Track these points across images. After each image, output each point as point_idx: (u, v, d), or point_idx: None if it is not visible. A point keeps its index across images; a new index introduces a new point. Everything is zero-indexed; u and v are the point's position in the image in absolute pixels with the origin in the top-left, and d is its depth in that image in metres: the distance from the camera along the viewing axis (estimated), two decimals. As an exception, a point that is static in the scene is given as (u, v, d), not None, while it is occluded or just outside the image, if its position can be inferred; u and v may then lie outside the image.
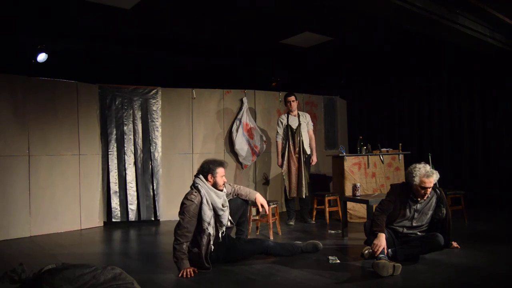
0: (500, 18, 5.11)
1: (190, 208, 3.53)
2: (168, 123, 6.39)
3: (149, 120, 6.27)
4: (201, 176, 3.69)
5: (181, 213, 3.56)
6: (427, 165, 3.65)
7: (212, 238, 3.62)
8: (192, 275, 3.42)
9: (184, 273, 3.42)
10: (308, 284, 3.18)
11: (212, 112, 6.64)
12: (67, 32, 5.73)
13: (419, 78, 7.63)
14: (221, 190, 3.72)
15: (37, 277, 2.58)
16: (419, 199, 3.71)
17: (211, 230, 3.59)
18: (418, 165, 3.66)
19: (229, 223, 3.79)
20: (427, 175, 3.57)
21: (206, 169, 3.68)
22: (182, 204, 3.59)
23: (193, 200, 3.56)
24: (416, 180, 3.60)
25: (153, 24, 5.65)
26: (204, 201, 3.57)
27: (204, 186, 3.64)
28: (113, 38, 6.05)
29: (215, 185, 3.68)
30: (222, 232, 3.73)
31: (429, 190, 3.63)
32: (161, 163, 6.31)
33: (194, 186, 3.67)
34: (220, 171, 3.69)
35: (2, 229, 5.04)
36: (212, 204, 3.61)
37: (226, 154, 6.68)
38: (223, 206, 3.66)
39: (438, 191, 3.78)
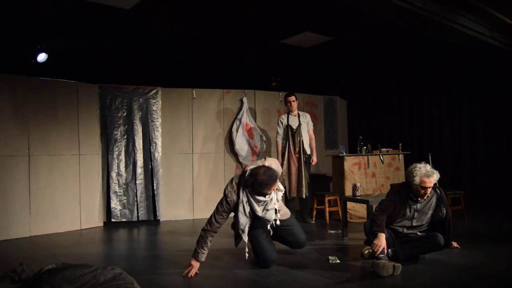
0: (500, 18, 5.11)
1: (224, 205, 3.46)
2: (168, 123, 6.39)
3: (149, 120, 6.27)
4: (249, 189, 3.43)
5: (219, 202, 3.50)
6: (428, 165, 3.65)
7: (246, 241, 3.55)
8: (192, 275, 3.42)
9: (189, 272, 3.40)
10: (308, 284, 3.18)
11: (212, 112, 6.64)
12: (67, 32, 5.73)
13: (419, 78, 7.63)
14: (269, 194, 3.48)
15: (37, 277, 2.58)
16: (419, 199, 3.71)
17: (245, 238, 3.50)
18: (418, 165, 3.66)
19: (278, 217, 3.62)
20: (428, 175, 3.57)
21: (256, 187, 3.37)
22: (224, 192, 3.51)
23: (228, 198, 3.45)
24: (417, 179, 3.60)
25: (153, 24, 5.65)
26: (241, 208, 3.43)
27: (247, 193, 3.43)
28: (113, 38, 6.05)
29: (263, 194, 3.44)
30: (272, 225, 3.62)
31: (429, 190, 3.63)
32: (161, 163, 6.31)
33: (237, 186, 3.47)
34: (271, 187, 3.39)
35: (2, 229, 5.03)
36: (251, 208, 3.47)
37: (226, 154, 6.68)
38: (265, 209, 3.49)
39: (438, 191, 3.78)
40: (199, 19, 5.48)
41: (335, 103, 8.01)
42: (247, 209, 3.45)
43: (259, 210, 3.47)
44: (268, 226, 3.64)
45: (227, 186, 3.53)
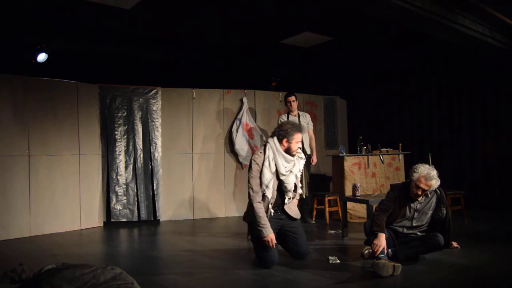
0: (500, 18, 5.11)
1: (253, 168, 3.60)
2: (168, 123, 6.39)
3: (149, 120, 6.26)
4: (275, 139, 3.64)
5: (248, 172, 3.63)
6: (434, 171, 3.60)
7: (271, 202, 3.64)
8: (272, 245, 3.51)
9: (267, 242, 3.50)
10: (308, 284, 3.18)
11: (212, 112, 6.64)
12: (67, 32, 5.73)
13: (419, 78, 7.63)
14: (294, 155, 3.67)
15: (37, 277, 2.58)
16: (418, 198, 3.70)
17: (268, 193, 3.59)
18: (425, 166, 3.62)
19: (298, 191, 3.82)
20: (427, 177, 3.55)
21: (283, 133, 3.60)
22: (250, 162, 3.67)
23: (256, 160, 3.61)
24: (415, 176, 3.60)
25: (153, 24, 5.65)
26: (266, 163, 3.55)
27: (273, 148, 3.60)
28: (113, 38, 6.06)
29: (288, 150, 3.62)
30: (289, 198, 3.75)
31: (421, 191, 3.60)
32: (161, 163, 6.31)
33: (263, 148, 3.67)
34: (296, 137, 3.62)
35: (2, 229, 5.03)
36: (276, 167, 3.59)
37: (226, 154, 6.68)
38: (289, 171, 3.63)
39: (438, 191, 3.77)
40: (199, 19, 5.48)
41: (335, 103, 8.00)
42: (272, 165, 3.57)
43: (283, 168, 3.58)
44: (289, 196, 3.73)
45: (253, 155, 3.70)
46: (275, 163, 3.58)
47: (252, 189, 3.58)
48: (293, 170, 3.68)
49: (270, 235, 3.51)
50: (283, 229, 3.81)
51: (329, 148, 7.79)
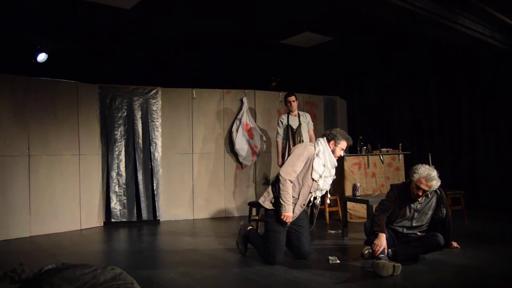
0: (500, 18, 5.11)
1: (304, 153, 3.71)
2: (168, 123, 6.39)
3: (149, 120, 6.26)
4: (324, 138, 3.85)
5: (291, 155, 3.77)
6: (435, 171, 3.61)
7: (313, 193, 3.80)
8: (288, 222, 3.69)
9: (285, 218, 3.65)
10: (308, 284, 3.18)
11: (212, 112, 6.63)
12: (67, 32, 5.73)
13: (419, 78, 7.63)
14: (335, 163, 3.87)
15: (37, 277, 2.58)
16: (418, 199, 3.70)
17: (321, 183, 3.75)
18: (426, 166, 3.63)
19: (326, 200, 4.00)
20: (427, 178, 3.55)
21: (332, 136, 3.82)
22: (296, 149, 3.81)
23: (307, 147, 3.75)
24: (415, 177, 3.60)
25: (153, 24, 5.66)
26: (320, 155, 3.72)
27: (323, 145, 3.78)
28: (113, 38, 6.06)
29: (332, 153, 3.82)
30: (314, 198, 3.91)
31: (422, 192, 3.60)
32: (161, 163, 6.31)
33: (315, 143, 3.84)
34: (342, 143, 3.82)
35: (2, 229, 5.03)
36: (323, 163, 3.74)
37: (226, 154, 6.68)
38: (329, 172, 3.79)
39: (438, 191, 3.77)
40: (199, 19, 5.48)
41: (335, 103, 8.00)
42: (323, 158, 3.73)
43: (330, 163, 3.77)
44: (316, 193, 3.88)
45: (300, 144, 3.93)
46: (323, 159, 3.73)
47: (293, 168, 3.69)
48: (332, 173, 3.85)
49: (290, 213, 3.67)
50: (289, 226, 3.84)
51: (329, 148, 7.78)
